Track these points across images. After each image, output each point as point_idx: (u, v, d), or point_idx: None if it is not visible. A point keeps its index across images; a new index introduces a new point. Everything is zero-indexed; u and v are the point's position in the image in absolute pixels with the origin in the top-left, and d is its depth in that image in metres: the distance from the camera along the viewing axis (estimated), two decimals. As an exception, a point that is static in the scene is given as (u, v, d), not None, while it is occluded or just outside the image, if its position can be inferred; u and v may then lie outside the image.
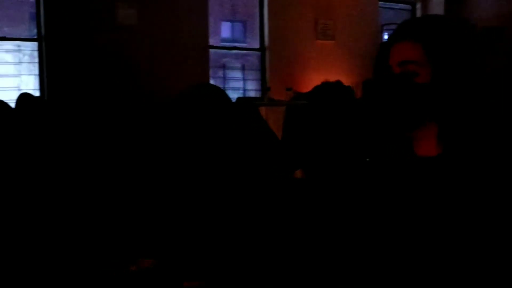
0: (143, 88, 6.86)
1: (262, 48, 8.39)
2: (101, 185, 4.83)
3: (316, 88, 4.93)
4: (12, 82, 6.57)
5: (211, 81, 7.84)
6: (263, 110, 6.96)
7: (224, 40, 11.50)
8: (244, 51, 9.00)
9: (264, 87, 8.19)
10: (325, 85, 4.90)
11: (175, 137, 4.88)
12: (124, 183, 4.96)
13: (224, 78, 8.60)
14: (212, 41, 7.86)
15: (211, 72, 7.77)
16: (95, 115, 6.43)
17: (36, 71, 6.66)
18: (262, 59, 8.39)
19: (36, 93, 6.48)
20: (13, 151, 4.62)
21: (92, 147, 5.55)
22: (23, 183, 4.33)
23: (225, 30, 11.61)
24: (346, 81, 6.71)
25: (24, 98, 5.73)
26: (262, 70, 8.40)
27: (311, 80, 8.07)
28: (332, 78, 6.88)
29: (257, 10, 8.41)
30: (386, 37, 10.05)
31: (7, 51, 6.61)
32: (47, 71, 6.55)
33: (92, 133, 5.90)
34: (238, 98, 6.80)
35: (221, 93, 4.18)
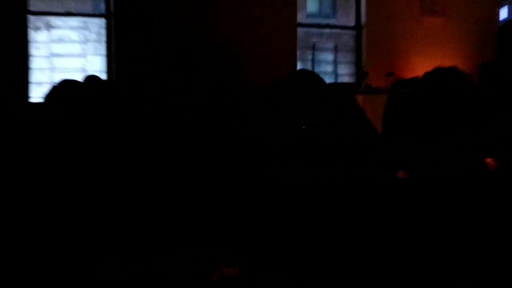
0: (224, 71, 6.84)
1: (358, 26, 8.19)
2: (174, 176, 4.92)
3: (428, 74, 4.69)
4: (77, 62, 6.70)
5: (299, 64, 7.73)
6: (359, 98, 6.79)
7: (310, 16, 11.34)
8: (337, 30, 8.81)
9: (360, 72, 8.01)
10: (438, 71, 4.65)
11: (268, 127, 4.93)
12: (203, 173, 5.05)
13: (313, 61, 8.46)
14: (298, 18, 7.73)
15: (298, 53, 7.65)
16: (169, 102, 6.49)
17: (103, 51, 6.77)
18: (358, 39, 8.20)
19: (103, 76, 6.61)
20: (78, 137, 4.72)
21: (166, 136, 5.63)
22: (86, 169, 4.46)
23: (312, 4, 11.41)
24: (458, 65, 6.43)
25: (90, 81, 5.85)
26: (358, 51, 8.20)
27: (416, 64, 7.80)
28: (440, 61, 6.61)
29: (352, -19, 8.24)
30: (504, 12, 9.59)
31: (72, 28, 6.74)
32: (116, 52, 6.64)
33: (164, 122, 5.97)
34: (330, 85, 6.68)
35: (317, 81, 4.13)
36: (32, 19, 6.45)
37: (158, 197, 4.61)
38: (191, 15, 6.78)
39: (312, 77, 5.47)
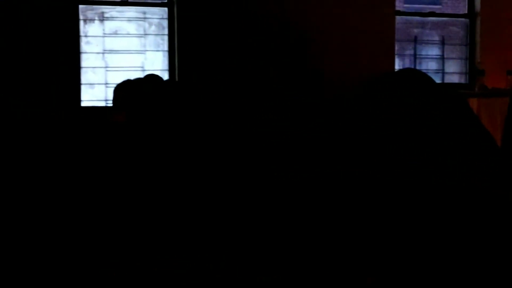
0: (307, 65, 6.86)
1: (470, 14, 8.07)
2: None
3: None
4: (135, 60, 6.86)
5: (397, 60, 7.67)
6: (472, 102, 6.69)
7: (410, 1, 11.26)
8: (444, 19, 8.70)
9: (474, 70, 7.89)
10: None
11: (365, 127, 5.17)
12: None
13: (415, 56, 8.38)
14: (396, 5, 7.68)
15: (397, 47, 7.59)
16: (240, 104, 6.55)
17: (165, 46, 6.90)
18: (471, 30, 8.07)
19: (165, 76, 6.74)
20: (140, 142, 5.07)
21: (237, 142, 5.80)
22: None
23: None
24: None
25: (150, 81, 5.99)
26: (471, 45, 8.08)
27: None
28: None
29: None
30: None
31: (130, 19, 6.89)
32: (179, 46, 6.76)
33: (237, 127, 6.08)
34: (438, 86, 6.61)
35: (425, 81, 4.24)
36: (83, 9, 6.65)
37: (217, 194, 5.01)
38: (269, 3, 6.83)
39: (420, 78, 5.51)
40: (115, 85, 6.34)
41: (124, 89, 5.54)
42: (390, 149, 5.31)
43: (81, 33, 6.61)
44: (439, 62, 8.30)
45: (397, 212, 4.54)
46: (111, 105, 5.66)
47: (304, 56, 6.89)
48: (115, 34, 6.85)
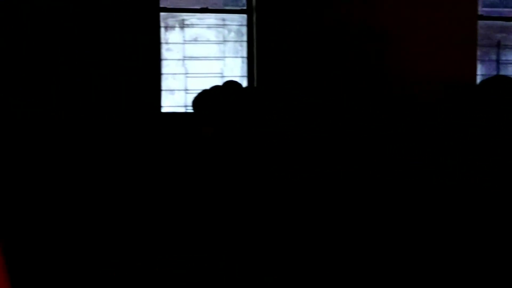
0: (385, 70, 6.82)
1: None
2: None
3: None
4: (214, 66, 6.95)
5: (479, 66, 7.54)
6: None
7: (491, 5, 10.98)
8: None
9: (558, 75, 7.65)
10: None
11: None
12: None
13: (498, 62, 8.20)
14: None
15: (479, 53, 7.46)
16: (321, 111, 6.57)
17: (244, 53, 6.99)
18: (557, 34, 7.86)
19: (243, 82, 6.81)
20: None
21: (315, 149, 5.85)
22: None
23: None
24: None
25: (229, 87, 6.06)
26: (556, 49, 7.86)
27: None
28: None
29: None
30: None
31: (209, 26, 6.99)
32: (258, 53, 6.83)
33: (313, 133, 6.11)
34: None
35: None
36: (164, 16, 6.79)
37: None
38: (348, 6, 6.82)
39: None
40: (194, 91, 6.46)
41: (207, 101, 5.63)
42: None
43: (162, 40, 6.76)
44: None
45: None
46: (193, 114, 5.73)
47: (384, 61, 6.85)
48: (195, 40, 6.96)
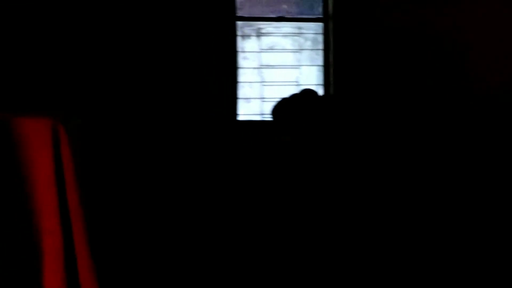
0: (449, 74, 6.77)
1: None
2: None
3: None
4: (290, 74, 7.00)
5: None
6: None
7: None
8: None
9: None
10: None
11: None
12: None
13: None
14: None
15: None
16: (398, 121, 6.54)
17: (320, 61, 7.00)
18: None
19: (320, 90, 6.82)
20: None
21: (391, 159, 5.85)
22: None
23: None
24: None
25: (305, 96, 6.08)
26: None
27: None
28: None
29: None
30: None
31: (285, 35, 7.04)
32: (334, 61, 6.85)
33: (389, 143, 6.11)
34: None
35: None
36: (241, 26, 6.87)
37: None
38: (426, 12, 6.77)
39: None
40: (270, 100, 6.52)
41: (284, 109, 5.68)
42: None
43: (239, 49, 6.83)
44: None
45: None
46: (272, 122, 5.79)
47: (461, 71, 6.78)
48: (271, 49, 7.01)
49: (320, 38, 7.00)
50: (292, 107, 5.68)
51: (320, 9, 7.02)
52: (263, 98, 6.91)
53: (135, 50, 6.40)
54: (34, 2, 6.17)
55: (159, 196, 5.98)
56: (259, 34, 6.99)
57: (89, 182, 2.67)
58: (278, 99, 5.83)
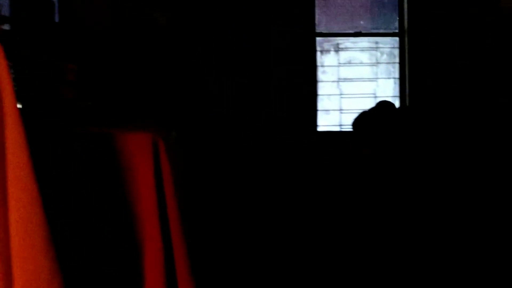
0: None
1: None
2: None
3: None
4: (367, 87, 7.23)
5: None
6: None
7: None
8: None
9: None
10: None
11: None
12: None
13: None
14: None
15: None
16: (473, 132, 6.61)
17: (396, 74, 7.24)
18: None
19: (396, 102, 7.04)
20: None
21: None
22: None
23: None
24: None
25: (382, 107, 6.28)
26: None
27: None
28: None
29: None
30: None
31: (362, 49, 7.26)
32: (410, 74, 7.08)
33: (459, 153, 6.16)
34: None
35: None
36: (320, 41, 7.17)
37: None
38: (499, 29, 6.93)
39: None
40: (348, 111, 6.77)
41: (365, 123, 5.86)
42: None
43: (318, 63, 7.12)
44: None
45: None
46: (352, 135, 5.95)
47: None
48: (349, 63, 7.24)
49: (396, 52, 7.22)
50: (371, 121, 5.82)
51: (396, 24, 7.24)
52: (342, 110, 7.15)
53: (228, 66, 6.77)
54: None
55: (241, 201, 6.11)
56: (337, 49, 7.22)
57: (183, 189, 2.91)
58: (359, 113, 5.95)
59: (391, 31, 7.25)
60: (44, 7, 3.52)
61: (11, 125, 2.35)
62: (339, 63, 7.24)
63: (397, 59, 7.23)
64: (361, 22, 7.30)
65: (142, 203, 2.75)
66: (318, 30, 7.12)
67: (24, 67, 2.69)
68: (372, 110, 6.16)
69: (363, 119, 5.92)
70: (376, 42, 7.27)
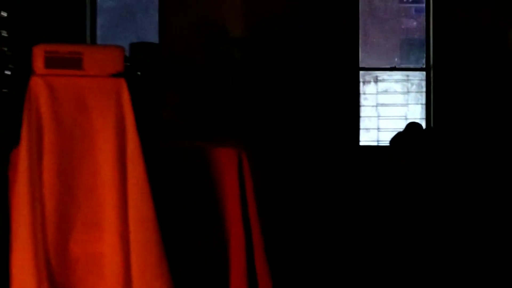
0: None
1: None
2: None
3: None
4: (399, 111, 7.12)
5: None
6: None
7: None
8: None
9: None
10: None
11: None
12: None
13: None
14: None
15: None
16: (485, 149, 6.46)
17: (423, 101, 7.11)
18: None
19: (423, 123, 6.93)
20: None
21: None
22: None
23: None
24: None
25: (412, 127, 6.20)
26: None
27: None
28: None
29: None
30: None
31: (396, 81, 7.17)
32: (434, 101, 6.95)
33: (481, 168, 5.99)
34: None
35: None
36: (362, 74, 7.07)
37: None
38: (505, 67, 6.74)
39: None
40: (385, 130, 6.70)
41: (399, 139, 5.82)
42: None
43: (361, 91, 7.04)
44: None
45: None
46: (390, 149, 5.89)
47: None
48: (385, 92, 7.15)
49: (423, 83, 7.10)
50: (405, 138, 5.80)
51: (423, 61, 7.12)
52: (379, 128, 7.07)
53: (286, 94, 6.73)
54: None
55: (300, 204, 5.98)
56: (376, 80, 7.14)
57: (261, 195, 2.87)
58: (395, 132, 5.90)
59: (419, 67, 7.13)
60: (152, 49, 3.57)
61: (132, 144, 2.39)
62: (378, 91, 7.15)
63: (424, 89, 7.10)
64: (396, 59, 7.21)
65: (228, 204, 2.71)
66: (361, 65, 7.03)
67: (139, 95, 2.69)
68: (405, 130, 6.10)
69: (399, 137, 5.88)
70: (407, 75, 7.17)
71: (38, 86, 2.30)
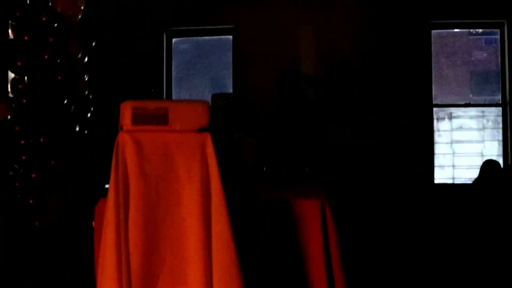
0: None
1: None
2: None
3: None
4: (475, 148, 6.85)
5: None
6: None
7: None
8: None
9: None
10: None
11: None
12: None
13: None
14: None
15: None
16: None
17: (500, 137, 6.80)
18: None
19: (500, 160, 6.59)
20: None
21: None
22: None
23: None
24: None
25: (488, 165, 5.94)
26: None
27: None
28: None
29: None
30: None
31: (471, 117, 6.92)
32: (511, 137, 6.61)
33: None
34: None
35: None
36: (436, 111, 6.85)
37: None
38: None
39: None
40: (460, 167, 6.45)
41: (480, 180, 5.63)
42: None
43: (435, 128, 6.81)
44: None
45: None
46: (463, 184, 5.71)
47: None
48: (460, 128, 6.91)
49: (500, 119, 6.80)
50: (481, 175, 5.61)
51: (499, 96, 6.83)
52: (454, 166, 6.81)
53: (366, 131, 6.54)
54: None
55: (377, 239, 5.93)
56: (450, 117, 6.92)
57: (341, 244, 2.79)
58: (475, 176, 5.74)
59: (495, 103, 6.84)
60: (233, 100, 3.56)
61: (216, 198, 2.36)
62: (452, 128, 6.91)
63: (500, 125, 6.80)
64: (470, 95, 6.97)
65: (312, 252, 2.62)
66: (434, 102, 6.81)
67: (223, 146, 2.68)
68: (481, 170, 5.86)
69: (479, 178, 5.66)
70: (483, 111, 6.90)
71: (125, 142, 2.29)
